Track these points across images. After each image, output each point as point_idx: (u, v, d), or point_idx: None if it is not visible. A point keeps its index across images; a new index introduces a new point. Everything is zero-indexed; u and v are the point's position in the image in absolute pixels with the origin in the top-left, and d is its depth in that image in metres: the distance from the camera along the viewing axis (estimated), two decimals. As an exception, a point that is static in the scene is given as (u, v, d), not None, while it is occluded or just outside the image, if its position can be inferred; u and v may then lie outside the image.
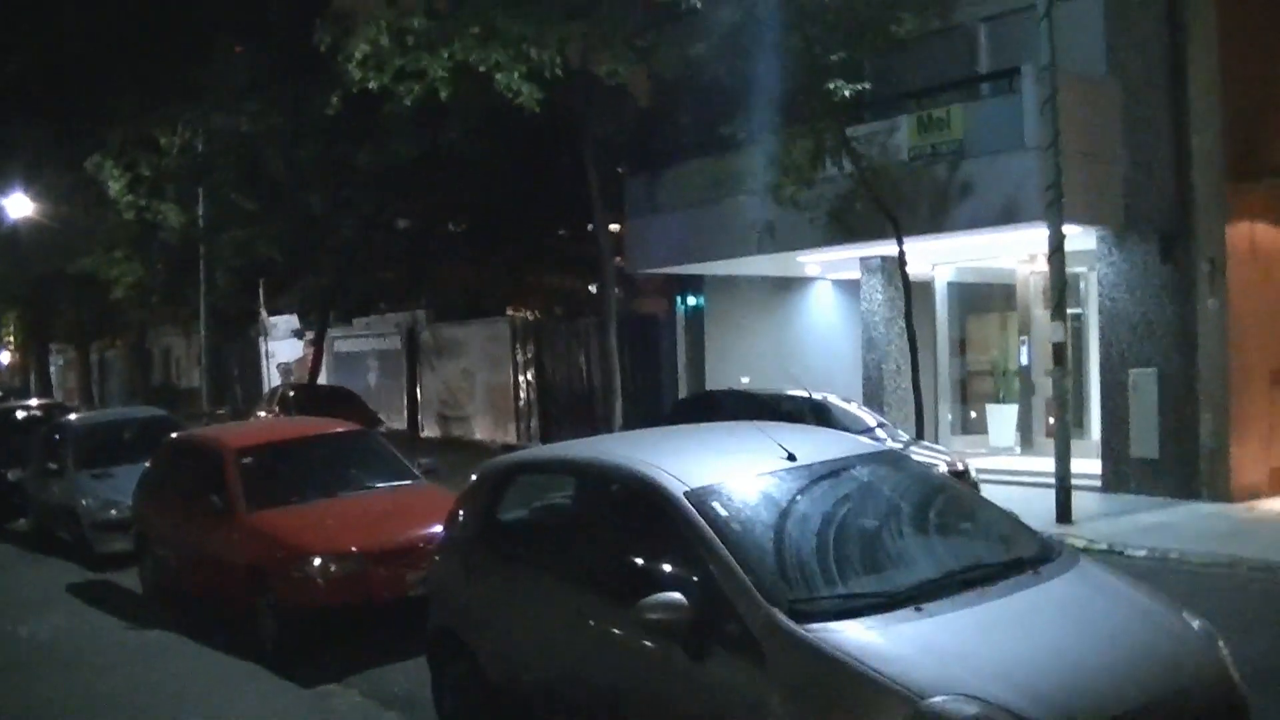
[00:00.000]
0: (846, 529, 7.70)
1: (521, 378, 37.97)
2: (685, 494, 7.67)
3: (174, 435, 18.10)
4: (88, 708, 10.95)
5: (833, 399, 20.22)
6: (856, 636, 6.55)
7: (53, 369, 77.67)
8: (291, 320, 51.63)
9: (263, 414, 36.80)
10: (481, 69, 23.67)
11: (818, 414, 18.69)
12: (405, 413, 44.07)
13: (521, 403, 37.93)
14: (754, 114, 22.02)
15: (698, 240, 26.88)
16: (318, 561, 12.82)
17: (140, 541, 16.77)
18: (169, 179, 42.40)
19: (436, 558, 10.38)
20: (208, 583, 14.73)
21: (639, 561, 8.12)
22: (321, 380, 46.79)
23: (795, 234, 23.09)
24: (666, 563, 7.79)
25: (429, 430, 42.69)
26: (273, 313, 50.66)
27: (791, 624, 6.71)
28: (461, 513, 10.10)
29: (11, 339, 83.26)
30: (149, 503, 16.66)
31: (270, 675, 11.98)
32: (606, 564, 8.31)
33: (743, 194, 23.76)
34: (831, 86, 20.14)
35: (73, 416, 25.35)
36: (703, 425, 10.73)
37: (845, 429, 16.45)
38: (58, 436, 22.31)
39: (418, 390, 44.04)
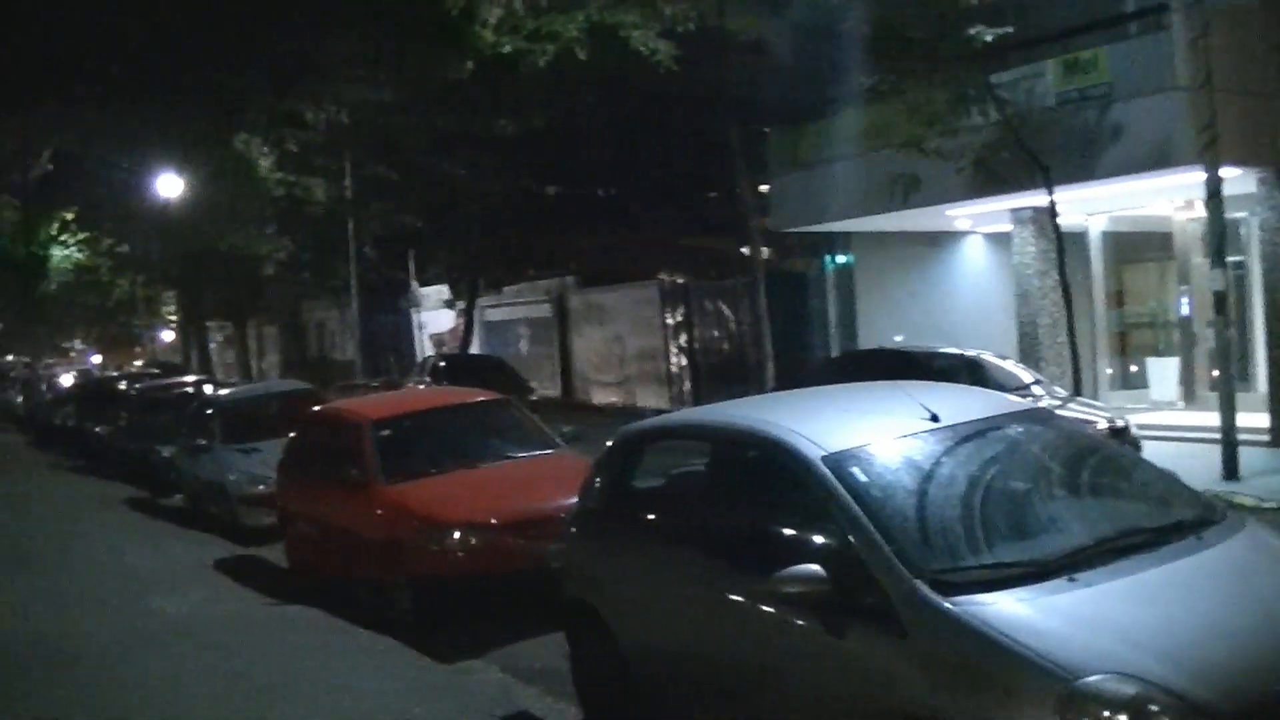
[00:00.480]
0: (993, 493, 7.22)
1: (672, 341, 37.73)
2: (822, 458, 7.27)
3: (314, 408, 18.00)
4: (220, 684, 10.78)
5: (987, 356, 19.63)
6: (1003, 609, 6.13)
7: (212, 345, 78.85)
8: (442, 290, 51.95)
9: (414, 384, 37.05)
10: (618, 32, 23.42)
11: (972, 371, 18.19)
12: (558, 379, 44.08)
13: (673, 367, 37.71)
14: (894, 63, 21.43)
15: (842, 196, 26.42)
16: (455, 534, 12.63)
17: (283, 516, 16.72)
18: (315, 154, 42.76)
19: (571, 528, 10.07)
20: (347, 557, 14.59)
21: (775, 530, 7.75)
22: (473, 349, 47.04)
23: (941, 187, 22.52)
24: (804, 532, 7.40)
25: (582, 396, 42.61)
26: (423, 283, 50.97)
27: (935, 596, 6.31)
28: (595, 482, 9.80)
29: (173, 317, 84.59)
30: (291, 476, 16.58)
31: (409, 651, 11.74)
32: (741, 533, 7.96)
33: (885, 147, 23.18)
34: (973, 31, 19.56)
35: (221, 391, 25.47)
36: (843, 386, 10.24)
37: (1000, 386, 16.01)
38: (206, 412, 22.46)
39: (570, 356, 43.99)
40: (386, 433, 14.80)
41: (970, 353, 19.11)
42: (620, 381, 40.47)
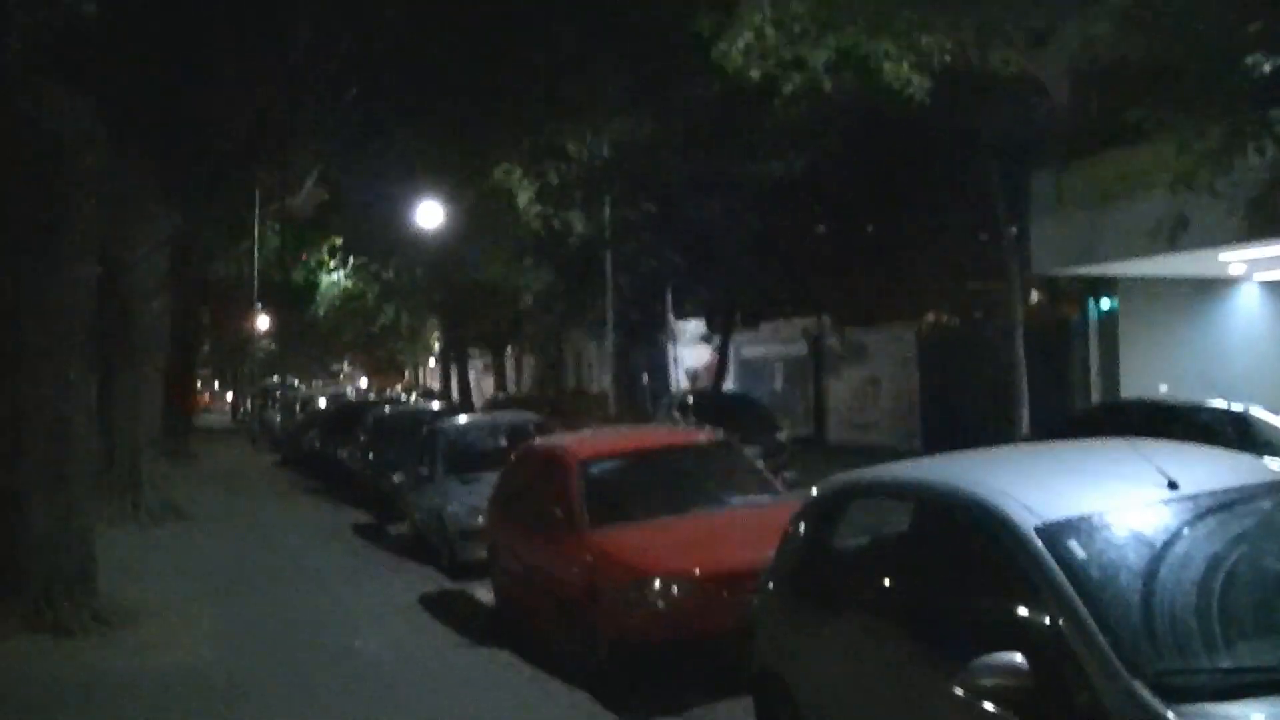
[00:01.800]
0: (1239, 580, 6.00)
1: (927, 385, 36.48)
2: (1036, 529, 6.20)
3: (526, 443, 17.29)
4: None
5: (1257, 411, 18.10)
6: (1241, 725, 4.99)
7: (472, 373, 79.72)
8: (699, 325, 51.49)
9: (663, 421, 36.53)
10: (869, 63, 22.44)
11: (1238, 427, 16.82)
12: (810, 419, 43.12)
13: (926, 409, 36.42)
14: (1163, 97, 19.98)
15: (1106, 238, 24.94)
16: (655, 584, 11.68)
17: (492, 553, 16.08)
18: (575, 187, 42.74)
19: (765, 587, 9.09)
20: (547, 602, 13.83)
21: (979, 608, 6.69)
22: (728, 386, 46.45)
23: (1213, 229, 20.96)
24: (1008, 613, 6.33)
25: (834, 437, 41.55)
26: (680, 318, 50.58)
27: (1157, 702, 5.20)
28: (792, 539, 8.83)
29: (436, 345, 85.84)
30: (499, 512, 15.95)
31: (599, 708, 10.92)
32: (939, 609, 6.93)
33: (1153, 186, 21.70)
34: (1250, 61, 18.05)
35: (455, 420, 25.00)
36: (1073, 443, 9.16)
37: (1269, 444, 14.57)
38: (432, 440, 22.01)
39: (823, 396, 43.00)
40: (595, 473, 14.00)
41: (1238, 407, 17.64)
42: (873, 423, 39.36)
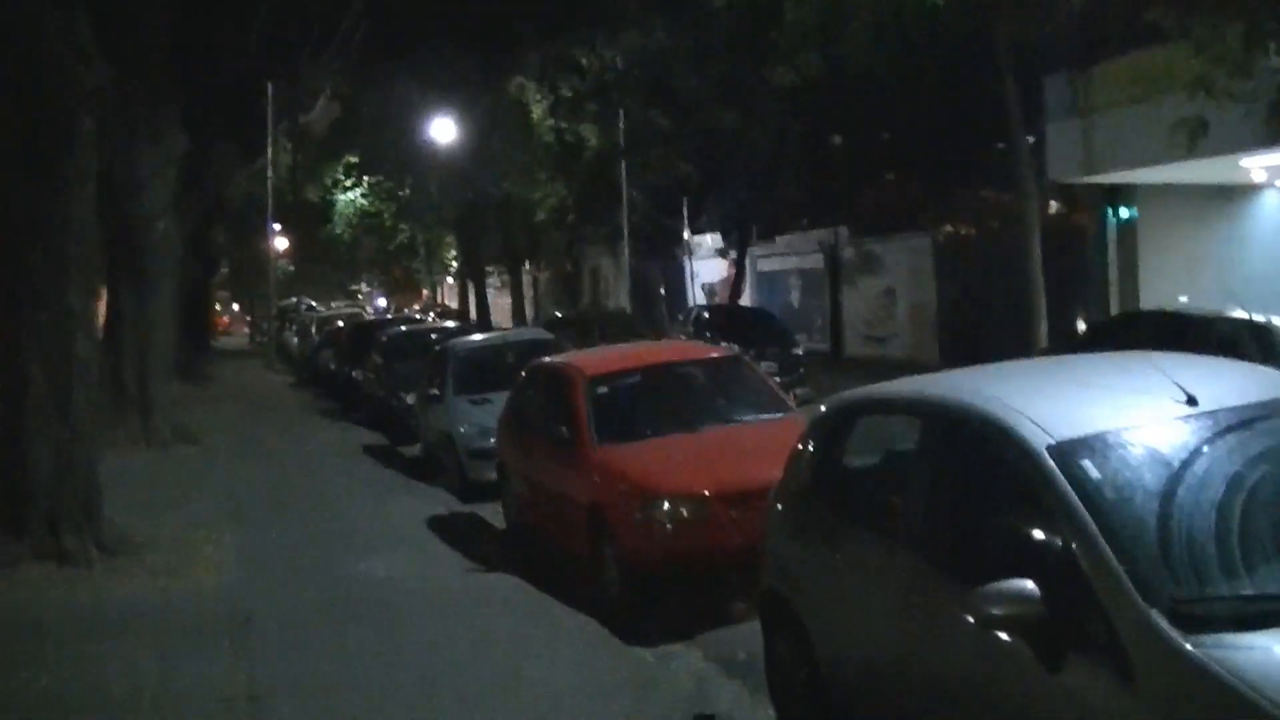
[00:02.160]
0: (1260, 502, 5.68)
1: (943, 295, 36.14)
2: (1049, 448, 5.91)
3: (535, 361, 17.00)
4: (398, 662, 9.93)
5: (1279, 321, 17.78)
6: (1262, 656, 4.74)
7: (491, 291, 79.46)
8: (715, 239, 51.16)
9: (680, 336, 36.30)
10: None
11: (1258, 338, 16.52)
12: (827, 333, 42.84)
13: (942, 321, 36.11)
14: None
15: (1123, 145, 24.55)
16: (665, 504, 11.46)
17: (501, 473, 15.89)
18: (589, 99, 42.42)
19: (774, 508, 8.84)
20: (555, 524, 13.67)
21: (989, 530, 6.45)
22: (745, 300, 46.18)
23: (1232, 134, 20.52)
24: (1020, 537, 6.11)
25: (851, 350, 41.27)
26: (696, 232, 50.27)
27: (1174, 632, 4.94)
28: (801, 457, 8.57)
29: (454, 264, 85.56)
30: (508, 432, 15.74)
31: (608, 633, 10.77)
32: (948, 531, 6.70)
33: (1171, 90, 21.25)
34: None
35: (465, 339, 24.72)
36: (1088, 357, 8.81)
37: (1291, 358, 14.26)
38: (442, 360, 21.78)
39: (840, 309, 42.67)
40: (603, 390, 13.73)
41: (1259, 317, 17.30)
42: (890, 336, 39.05)
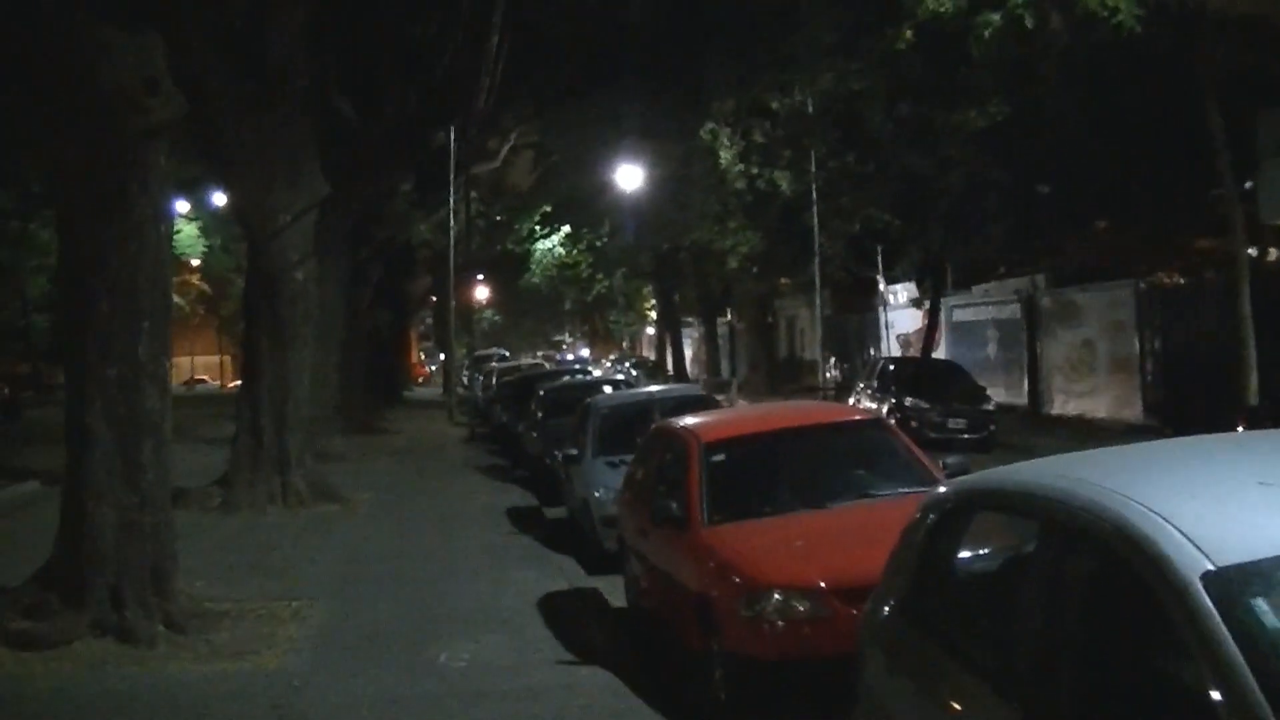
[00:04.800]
0: None
1: (1147, 347, 33.79)
2: (1205, 576, 4.09)
3: (656, 424, 15.30)
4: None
5: None
6: None
7: (688, 342, 78.54)
8: (910, 289, 49.68)
9: (860, 389, 34.69)
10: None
11: None
12: (1024, 386, 40.64)
13: (1148, 376, 33.73)
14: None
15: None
16: (775, 597, 9.70)
17: (621, 547, 14.22)
18: (781, 145, 41.43)
19: (870, 618, 6.99)
20: (664, 610, 11.98)
21: (1114, 672, 4.61)
22: (939, 352, 44.46)
23: None
24: (1157, 685, 4.36)
25: (1049, 405, 38.99)
26: (891, 281, 48.85)
27: None
28: (901, 559, 6.78)
29: (653, 314, 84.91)
30: (628, 501, 14.05)
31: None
32: (1064, 673, 4.84)
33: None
34: None
35: (608, 395, 23.14)
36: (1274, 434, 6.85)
37: None
38: (583, 416, 20.25)
39: (1037, 361, 40.43)
40: (720, 458, 12.00)
41: None
42: (1090, 391, 36.72)
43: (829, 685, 9.07)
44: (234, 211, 24.42)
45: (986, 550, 6.67)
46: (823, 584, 9.63)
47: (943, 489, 6.90)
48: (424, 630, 13.09)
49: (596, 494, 17.45)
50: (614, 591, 14.64)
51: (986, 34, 21.91)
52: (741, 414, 15.38)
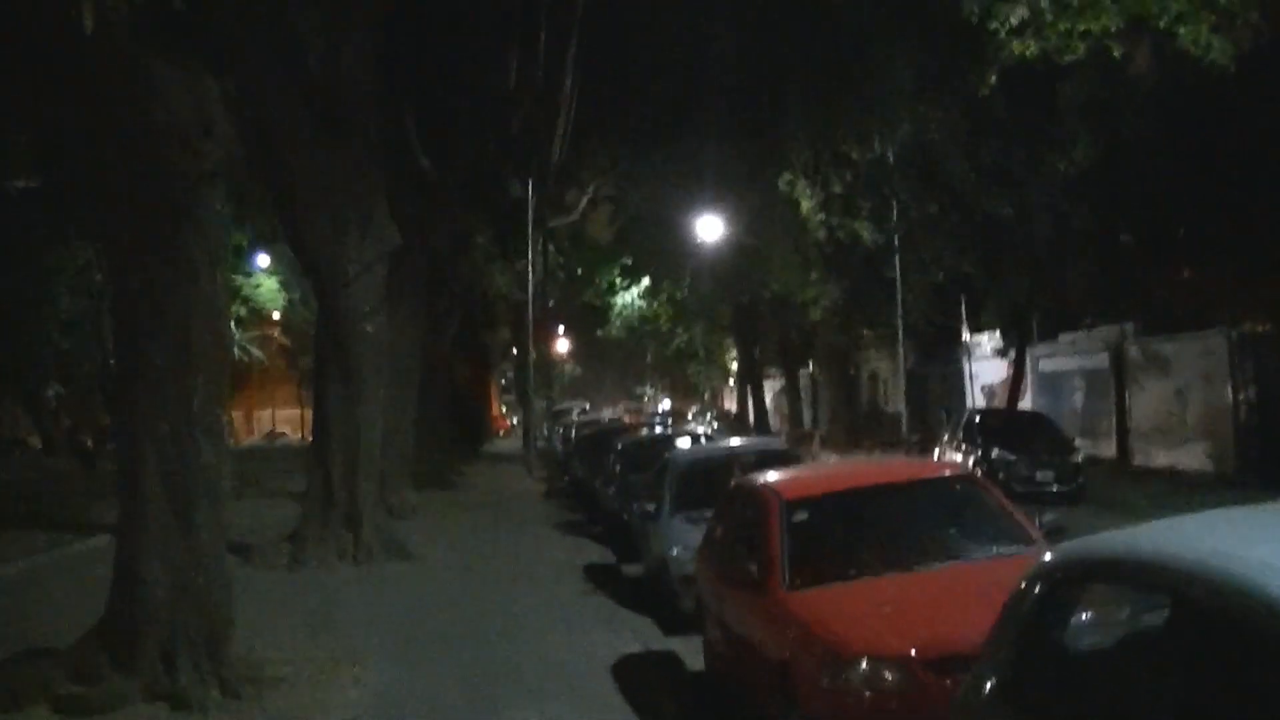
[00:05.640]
0: None
1: (1240, 397, 32.77)
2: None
3: (735, 480, 14.62)
4: None
5: None
6: None
7: (769, 395, 77.89)
8: (994, 338, 48.82)
9: (945, 441, 33.90)
10: (1160, 24, 19.63)
11: None
12: (1113, 438, 39.62)
13: (1241, 427, 32.70)
14: None
15: None
16: (861, 666, 8.97)
17: (699, 609, 13.52)
18: (861, 194, 40.96)
19: (979, 687, 6.32)
20: (742, 677, 11.27)
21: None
22: (1025, 403, 43.58)
23: None
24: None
25: (1140, 458, 37.95)
26: (974, 331, 47.99)
27: None
28: (1003, 635, 6.11)
29: (735, 365, 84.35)
30: (707, 561, 13.32)
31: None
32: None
33: None
34: None
35: (687, 449, 22.48)
36: None
37: None
38: (661, 471, 19.63)
39: (1126, 413, 39.42)
40: (802, 517, 11.26)
41: None
42: (1181, 442, 35.67)
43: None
44: (304, 262, 24.01)
45: (1087, 619, 6.00)
46: (913, 653, 8.91)
47: (1050, 556, 6.21)
48: (487, 697, 12.48)
49: (674, 552, 16.73)
50: (692, 654, 13.85)
51: (1067, 60, 21.43)
52: (825, 470, 14.53)
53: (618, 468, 26.41)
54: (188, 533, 12.34)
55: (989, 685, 6.04)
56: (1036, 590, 5.94)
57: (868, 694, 8.93)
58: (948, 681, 8.27)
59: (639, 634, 15.77)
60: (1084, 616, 5.99)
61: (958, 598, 9.63)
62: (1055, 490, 28.45)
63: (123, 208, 12.60)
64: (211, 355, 12.63)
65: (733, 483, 14.29)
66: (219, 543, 12.86)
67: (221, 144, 12.58)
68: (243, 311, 74.21)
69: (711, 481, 17.91)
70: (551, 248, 54.48)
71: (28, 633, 14.90)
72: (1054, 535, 10.92)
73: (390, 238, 22.52)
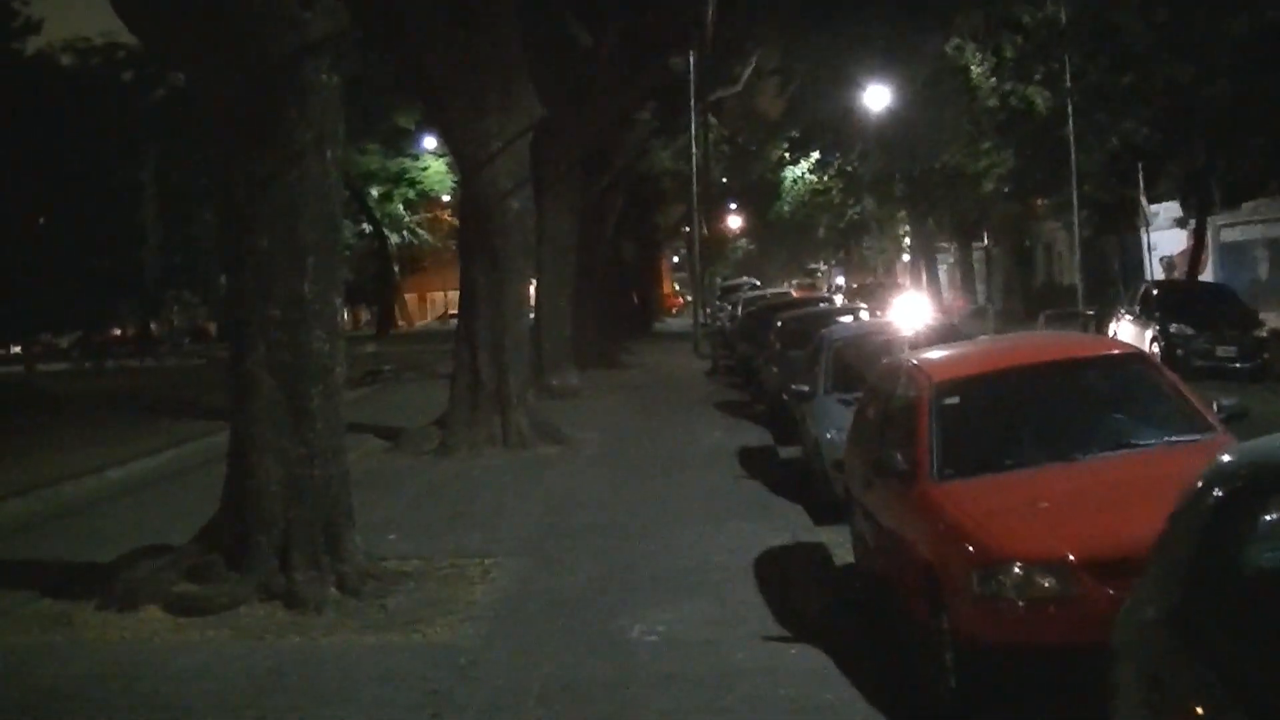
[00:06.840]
0: None
1: None
2: None
3: (886, 360, 13.60)
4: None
5: None
6: None
7: (942, 269, 76.47)
8: (1174, 208, 46.94)
9: (1122, 316, 32.49)
10: None
11: None
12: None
13: None
14: None
15: None
16: (1014, 571, 8.04)
17: (846, 500, 12.64)
18: (1033, 59, 39.69)
19: (1140, 610, 5.38)
20: (890, 575, 10.35)
21: None
22: (1206, 275, 41.92)
23: None
24: None
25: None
26: (1153, 200, 46.21)
27: None
28: (1170, 545, 5.20)
29: (908, 239, 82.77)
30: (854, 447, 12.37)
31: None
32: None
33: None
34: None
35: (845, 325, 21.47)
36: None
37: None
38: (816, 349, 18.74)
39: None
40: (954, 400, 10.21)
41: None
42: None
43: (1078, 677, 7.41)
44: (444, 138, 23.42)
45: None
46: (1072, 557, 7.95)
47: (1231, 456, 5.23)
48: (620, 594, 11.73)
49: (828, 435, 15.72)
50: (842, 545, 13.00)
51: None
52: (982, 348, 13.35)
53: (778, 345, 25.53)
54: (301, 425, 11.75)
55: (1152, 609, 5.11)
56: (1213, 497, 5.00)
57: (1021, 603, 8.03)
58: (1113, 589, 7.32)
59: (788, 524, 14.88)
60: (1272, 531, 4.97)
61: (1125, 492, 8.64)
62: (1237, 366, 27.48)
63: (223, 87, 11.94)
64: (322, 239, 11.94)
65: (882, 364, 13.31)
66: (335, 434, 12.23)
67: (327, 15, 11.80)
68: (411, 194, 74.20)
69: (868, 360, 16.97)
70: (715, 121, 53.26)
71: (163, 528, 14.50)
72: (1234, 420, 9.85)
73: (533, 110, 21.81)
